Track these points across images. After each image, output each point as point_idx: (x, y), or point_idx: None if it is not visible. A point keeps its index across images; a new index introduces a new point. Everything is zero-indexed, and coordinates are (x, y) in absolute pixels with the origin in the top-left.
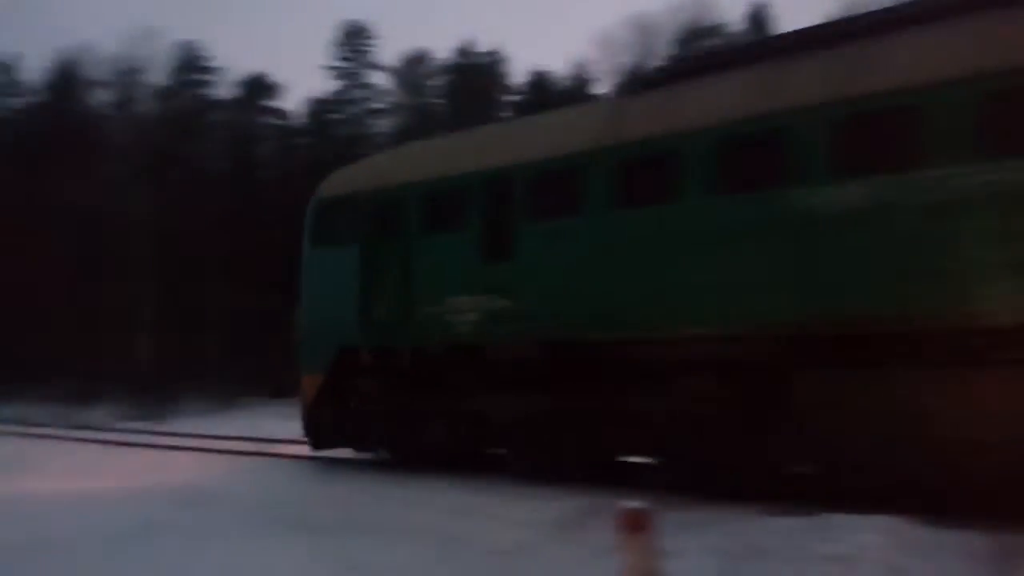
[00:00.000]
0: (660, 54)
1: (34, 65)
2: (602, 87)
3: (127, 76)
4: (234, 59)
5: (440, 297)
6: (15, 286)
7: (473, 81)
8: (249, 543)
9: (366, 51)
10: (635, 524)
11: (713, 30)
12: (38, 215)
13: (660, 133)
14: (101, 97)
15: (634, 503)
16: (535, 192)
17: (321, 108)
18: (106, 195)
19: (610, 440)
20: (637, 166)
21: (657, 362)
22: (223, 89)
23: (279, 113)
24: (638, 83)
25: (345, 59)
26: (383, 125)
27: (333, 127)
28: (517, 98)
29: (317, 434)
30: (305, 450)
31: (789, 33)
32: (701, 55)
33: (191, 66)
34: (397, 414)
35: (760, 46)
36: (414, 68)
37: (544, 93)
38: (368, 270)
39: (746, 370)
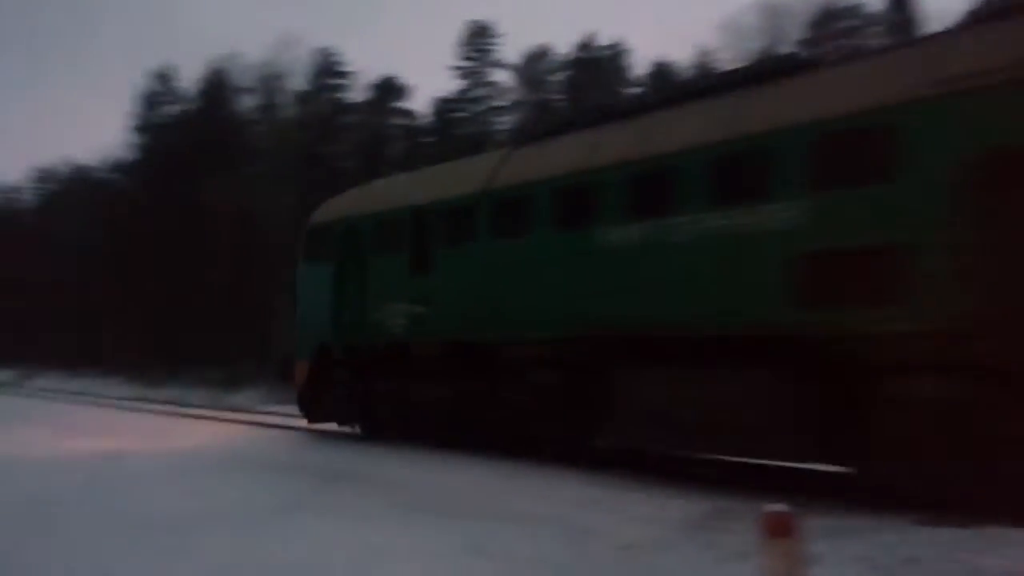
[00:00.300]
0: (791, 39)
1: (189, 75)
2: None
3: (270, 82)
4: (367, 63)
5: (384, 304)
6: (174, 281)
7: (594, 75)
8: (383, 523)
9: (489, 50)
10: (779, 528)
11: (849, 12)
12: (193, 215)
13: (520, 182)
14: (247, 103)
15: (778, 506)
16: (443, 224)
17: (446, 107)
18: (252, 195)
19: (491, 419)
20: (507, 206)
21: (518, 360)
22: (356, 92)
23: (407, 114)
24: (519, 139)
25: (469, 58)
26: (505, 122)
27: (457, 126)
28: (639, 90)
29: (308, 410)
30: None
31: (617, 103)
32: (567, 117)
33: (327, 71)
34: (359, 396)
35: (599, 111)
36: (535, 64)
37: (666, 84)
38: (338, 282)
39: (574, 366)
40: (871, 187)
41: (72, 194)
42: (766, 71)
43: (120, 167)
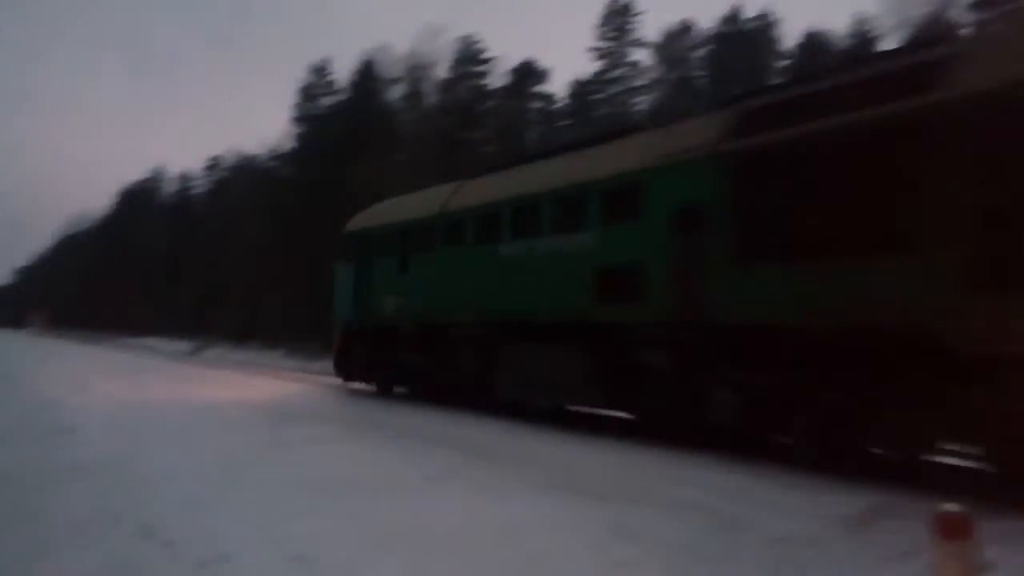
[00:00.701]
0: (960, 2)
1: (343, 67)
2: (888, 44)
3: (415, 72)
4: (507, 48)
5: (382, 295)
6: (327, 262)
7: (739, 49)
8: (525, 499)
9: (629, 29)
10: (953, 529)
11: None
12: (344, 200)
13: (459, 208)
14: (395, 92)
15: (952, 506)
16: (416, 237)
17: (583, 90)
18: (396, 180)
19: (443, 378)
20: (451, 226)
21: (455, 338)
22: (497, 78)
23: (546, 97)
24: (471, 175)
25: (607, 39)
26: (643, 102)
27: (595, 108)
28: (788, 63)
29: (340, 372)
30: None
31: (521, 153)
32: (495, 160)
33: (469, 58)
34: (370, 362)
35: (515, 157)
36: (676, 41)
37: (820, 56)
38: (356, 278)
39: (485, 342)
40: (628, 225)
41: (238, 181)
42: (596, 137)
43: (280, 156)
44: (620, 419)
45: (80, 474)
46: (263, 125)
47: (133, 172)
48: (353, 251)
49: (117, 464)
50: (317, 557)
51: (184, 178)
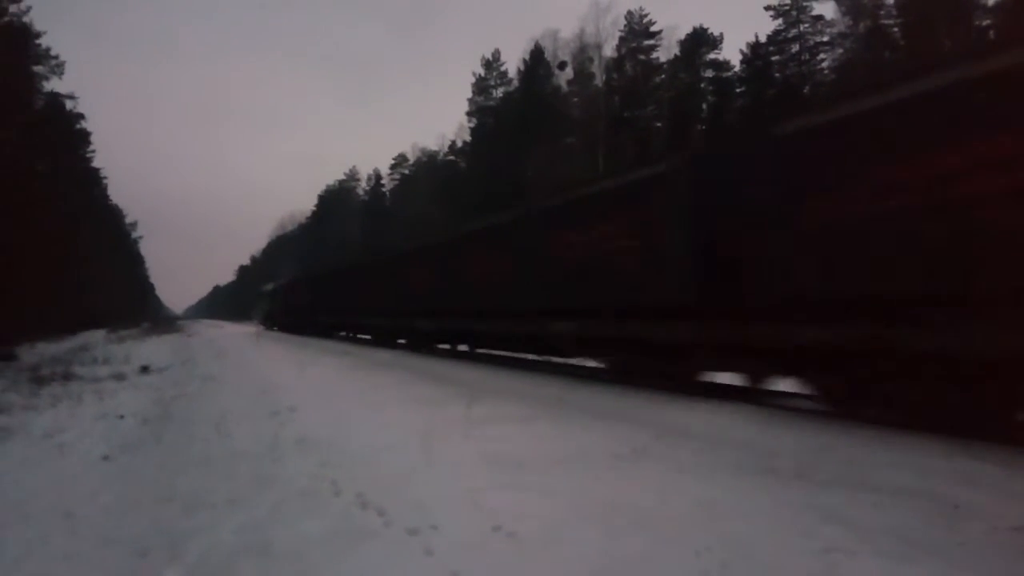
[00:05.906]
0: None
1: (513, 57)
2: None
3: (582, 53)
4: (677, 19)
5: (263, 308)
6: None
7: None
8: (716, 480)
9: None
10: None
11: None
12: (517, 187)
13: (268, 290)
14: (564, 75)
15: None
16: (269, 294)
17: (758, 53)
18: (565, 163)
19: (283, 323)
20: (272, 292)
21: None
22: (666, 51)
23: (720, 65)
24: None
25: None
26: (825, 59)
27: (773, 69)
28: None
29: (265, 326)
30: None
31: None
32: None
33: (638, 33)
34: (266, 323)
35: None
36: None
37: None
38: (260, 302)
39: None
40: (269, 295)
41: (421, 176)
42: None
43: (456, 149)
44: None
45: (304, 448)
46: (446, 121)
47: (334, 174)
48: (259, 295)
49: (330, 440)
50: None
51: (374, 177)
